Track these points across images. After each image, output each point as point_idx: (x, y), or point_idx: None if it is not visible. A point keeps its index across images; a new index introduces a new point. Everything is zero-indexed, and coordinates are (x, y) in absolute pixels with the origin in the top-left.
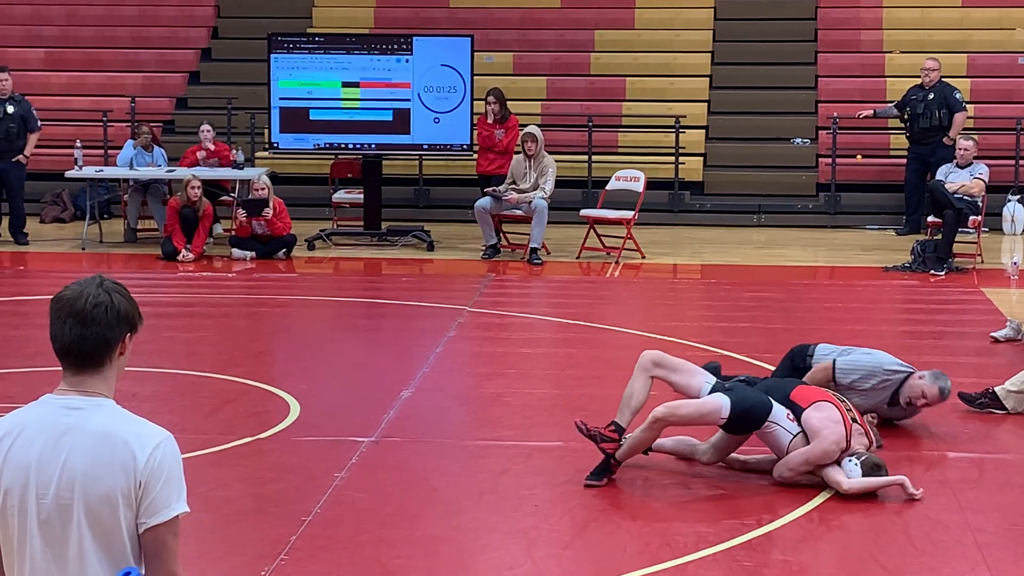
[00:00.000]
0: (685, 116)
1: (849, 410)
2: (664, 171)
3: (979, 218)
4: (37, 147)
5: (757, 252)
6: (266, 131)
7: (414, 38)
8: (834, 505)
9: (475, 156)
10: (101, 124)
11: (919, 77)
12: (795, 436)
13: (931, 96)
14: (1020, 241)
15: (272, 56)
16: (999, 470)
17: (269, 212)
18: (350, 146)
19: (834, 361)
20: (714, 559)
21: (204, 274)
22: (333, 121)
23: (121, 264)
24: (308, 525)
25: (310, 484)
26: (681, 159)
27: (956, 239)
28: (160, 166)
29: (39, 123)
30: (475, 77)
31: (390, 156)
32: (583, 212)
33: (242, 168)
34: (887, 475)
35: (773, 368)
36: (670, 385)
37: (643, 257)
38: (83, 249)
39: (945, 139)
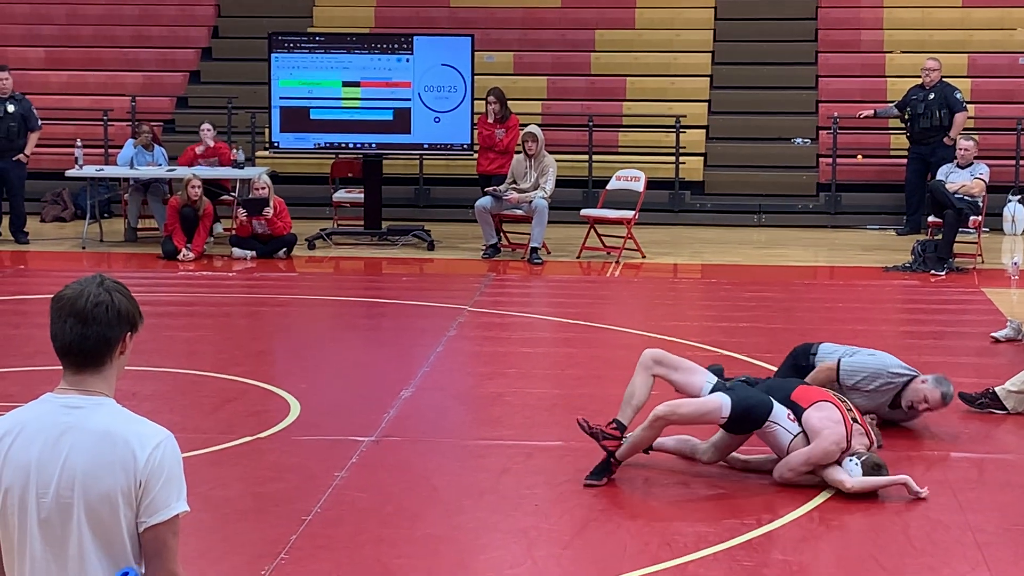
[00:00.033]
0: (686, 116)
1: (850, 410)
2: (664, 171)
3: (979, 218)
4: (37, 146)
5: (757, 252)
6: (266, 130)
7: (415, 37)
8: (834, 505)
9: (475, 156)
10: (101, 123)
11: (920, 77)
12: (796, 436)
13: (932, 96)
14: (1020, 241)
15: (272, 55)
16: (999, 470)
17: (269, 211)
18: (350, 145)
19: (839, 361)
20: (714, 559)
21: (204, 273)
22: (333, 120)
23: (121, 263)
24: (308, 524)
25: (310, 483)
26: (681, 159)
27: (956, 239)
28: (160, 165)
29: (39, 122)
30: (476, 77)
31: (390, 155)
32: (583, 212)
33: (242, 167)
34: (888, 475)
35: (774, 368)
36: (670, 383)
37: (643, 257)
38: (83, 248)
39: (946, 139)
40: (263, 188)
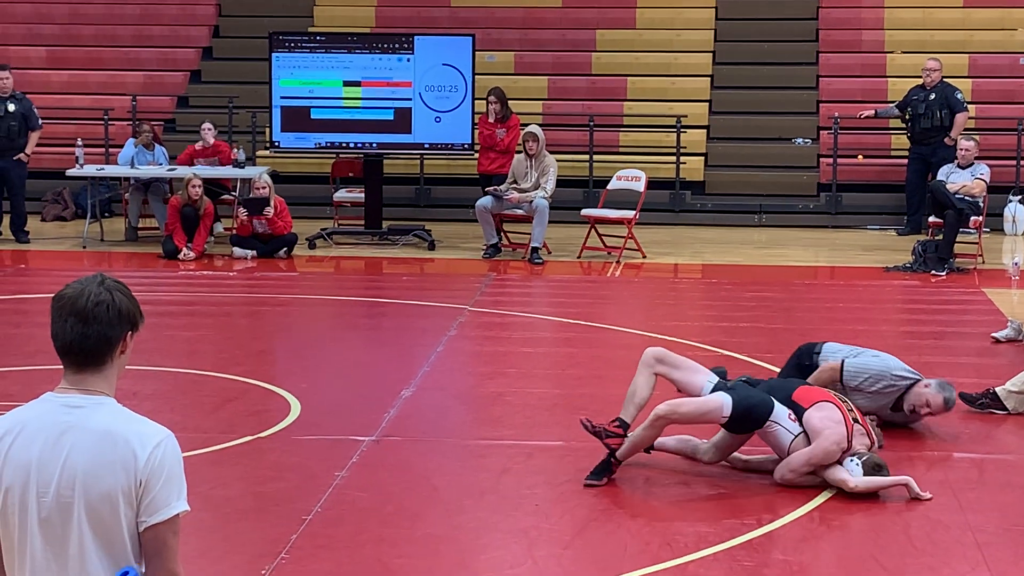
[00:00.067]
0: (686, 116)
1: (850, 410)
2: (665, 171)
3: (980, 218)
4: (38, 145)
5: (758, 252)
6: (267, 130)
7: (415, 37)
8: (835, 505)
9: (476, 155)
10: (102, 122)
11: (920, 77)
12: (796, 436)
13: (932, 96)
14: (1021, 242)
15: (273, 55)
16: (1000, 471)
17: (270, 211)
18: (351, 145)
19: (843, 362)
20: (715, 559)
21: (205, 273)
22: (334, 120)
23: (122, 262)
24: (309, 524)
25: (311, 483)
26: (682, 159)
27: (957, 239)
28: (161, 165)
29: (40, 121)
30: (476, 76)
31: (391, 155)
32: (584, 212)
33: (243, 167)
34: (889, 475)
35: (774, 368)
36: (671, 382)
37: (644, 257)
38: (84, 247)
39: (946, 139)
40: (264, 188)
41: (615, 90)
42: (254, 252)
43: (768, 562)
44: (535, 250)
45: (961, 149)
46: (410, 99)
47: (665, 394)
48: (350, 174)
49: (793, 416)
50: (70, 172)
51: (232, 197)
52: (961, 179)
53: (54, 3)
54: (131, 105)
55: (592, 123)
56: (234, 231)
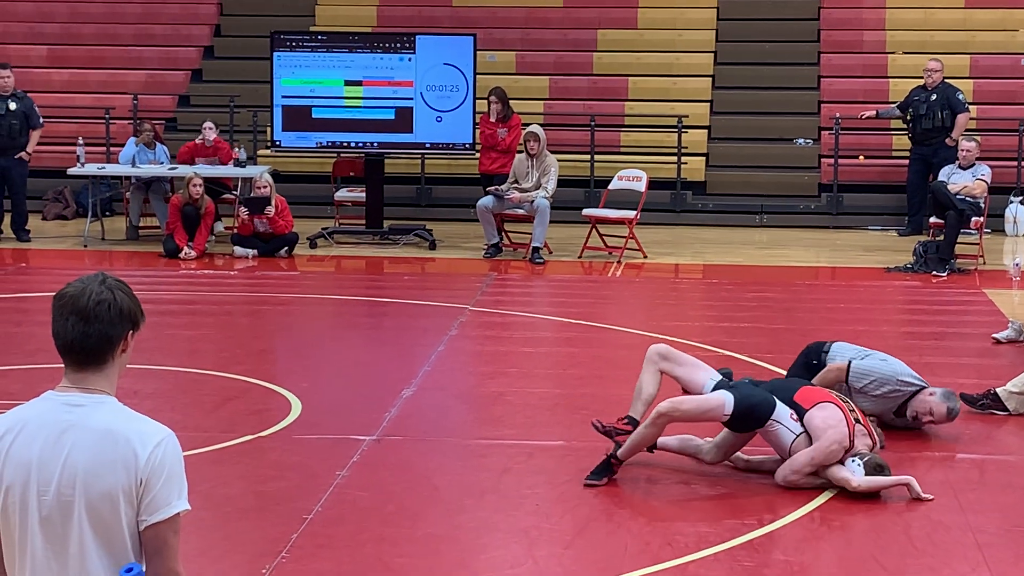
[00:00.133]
0: (687, 116)
1: (852, 411)
2: (666, 171)
3: (981, 219)
4: (39, 144)
5: (759, 252)
6: (268, 129)
7: (417, 37)
8: (835, 505)
9: (477, 155)
10: (103, 121)
11: (922, 78)
12: (798, 436)
13: (934, 97)
14: (1022, 243)
15: (275, 54)
16: (1000, 471)
17: (271, 210)
18: (352, 144)
19: (849, 363)
20: (715, 559)
21: (206, 272)
22: (335, 119)
23: (123, 261)
24: (309, 523)
25: (311, 482)
26: (683, 159)
27: (958, 240)
28: (162, 163)
29: (41, 120)
30: (478, 76)
31: (392, 155)
32: (585, 212)
33: (244, 166)
34: (890, 475)
35: (774, 368)
36: (675, 379)
37: (645, 257)
38: (85, 246)
39: (947, 140)
40: (265, 187)
41: (616, 90)
42: (255, 251)
43: (769, 562)
44: (536, 250)
45: (962, 150)
46: (411, 99)
47: (671, 392)
48: (351, 173)
49: (795, 416)
50: (71, 171)
51: (233, 196)
52: (962, 180)
53: (55, 2)
54: (132, 104)
55: (593, 123)
56: (235, 230)
